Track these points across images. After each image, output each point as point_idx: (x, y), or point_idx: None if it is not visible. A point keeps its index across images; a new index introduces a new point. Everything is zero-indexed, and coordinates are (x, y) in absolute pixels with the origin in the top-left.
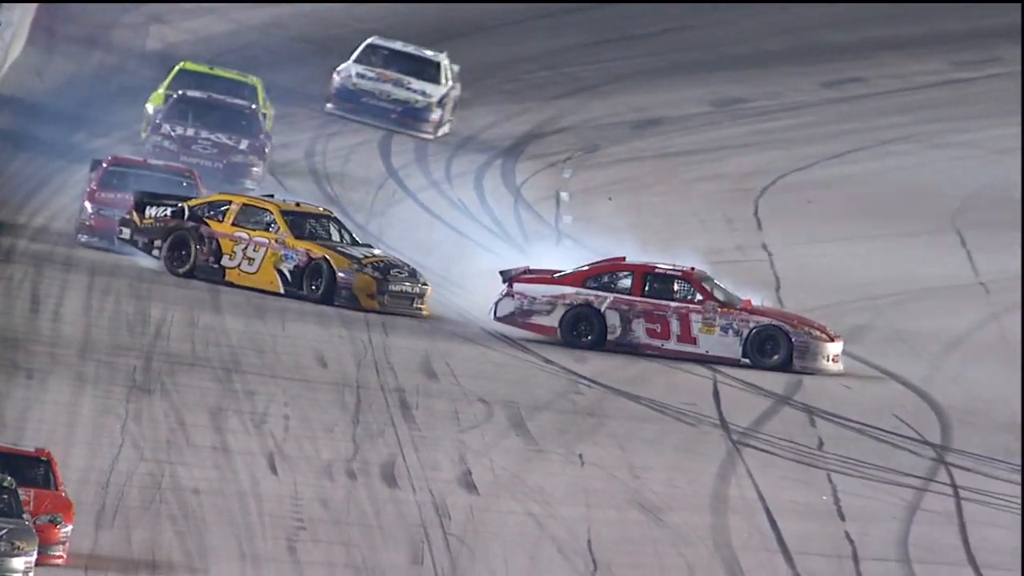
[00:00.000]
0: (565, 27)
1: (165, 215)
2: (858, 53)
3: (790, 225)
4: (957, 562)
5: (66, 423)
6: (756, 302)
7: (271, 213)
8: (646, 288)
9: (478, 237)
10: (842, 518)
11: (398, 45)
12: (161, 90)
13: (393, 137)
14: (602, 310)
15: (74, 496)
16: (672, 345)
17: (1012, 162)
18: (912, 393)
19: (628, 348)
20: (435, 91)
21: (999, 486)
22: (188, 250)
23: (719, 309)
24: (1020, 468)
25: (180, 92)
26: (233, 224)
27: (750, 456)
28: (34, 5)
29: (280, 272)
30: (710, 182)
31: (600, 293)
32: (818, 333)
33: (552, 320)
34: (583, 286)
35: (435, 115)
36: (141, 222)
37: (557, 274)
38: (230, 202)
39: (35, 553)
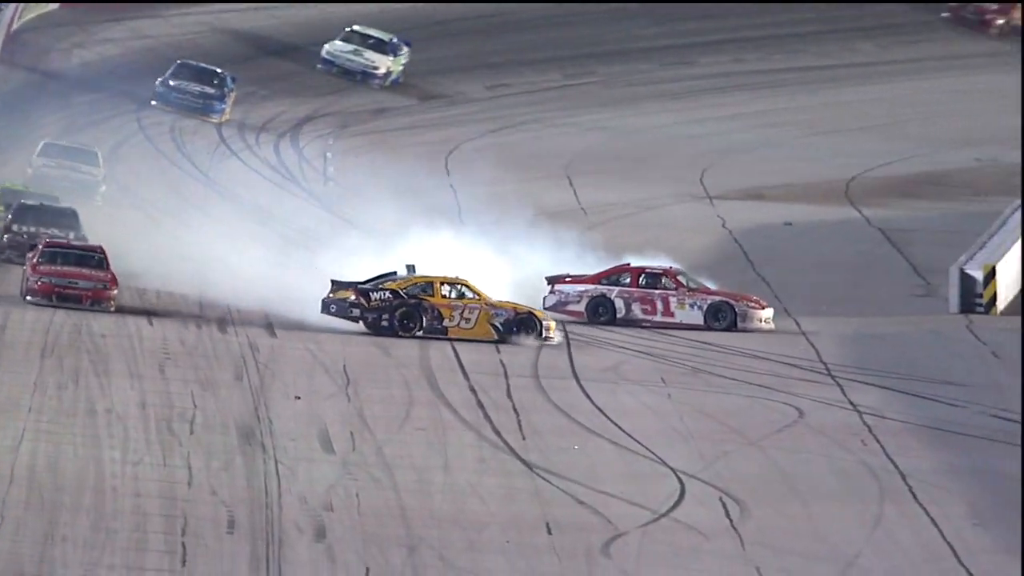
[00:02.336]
0: None
1: (388, 298)
2: (507, 68)
3: (468, 172)
4: (567, 376)
5: (22, 303)
6: (713, 287)
7: (466, 286)
8: (640, 282)
9: (275, 179)
10: (498, 352)
11: (64, 143)
12: None
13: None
14: (612, 298)
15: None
16: (658, 318)
17: (595, 135)
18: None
19: (631, 323)
20: (99, 172)
21: (592, 331)
22: (414, 319)
23: (687, 293)
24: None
25: (21, 202)
26: (442, 296)
27: None
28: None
29: (493, 325)
30: (418, 147)
31: (610, 287)
32: (754, 304)
33: (580, 307)
34: (599, 283)
35: (102, 188)
36: (369, 305)
37: (581, 276)
38: (432, 283)
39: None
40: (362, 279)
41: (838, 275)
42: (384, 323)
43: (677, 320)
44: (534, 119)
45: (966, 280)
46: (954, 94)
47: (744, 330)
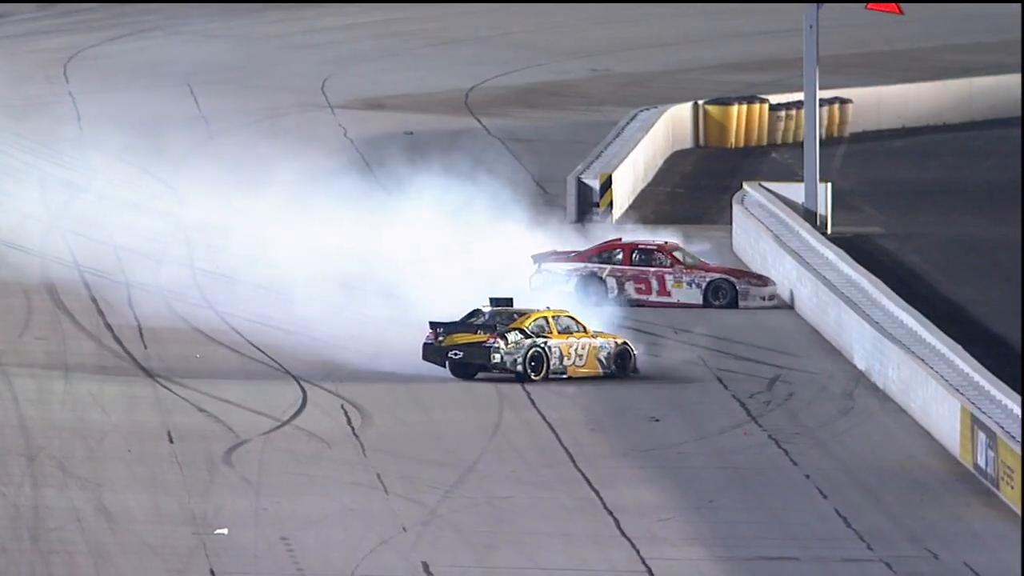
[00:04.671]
0: None
1: (521, 339)
2: None
3: (88, 80)
4: (190, 286)
5: None
6: (712, 262)
7: (572, 319)
8: (633, 259)
9: None
10: (118, 259)
11: None
12: None
13: None
14: (603, 277)
15: None
16: (654, 298)
17: (216, 43)
18: None
19: (624, 303)
20: None
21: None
22: (542, 360)
23: (685, 270)
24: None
25: None
26: (558, 333)
27: None
28: None
29: (599, 360)
30: (37, 54)
31: (601, 265)
32: (756, 281)
33: (570, 287)
34: (589, 261)
35: None
36: (507, 346)
37: (571, 254)
38: (546, 318)
39: None
40: (457, 319)
41: (458, 184)
42: (519, 367)
43: (674, 299)
44: (154, 27)
45: (583, 189)
46: (569, 5)
47: (747, 309)
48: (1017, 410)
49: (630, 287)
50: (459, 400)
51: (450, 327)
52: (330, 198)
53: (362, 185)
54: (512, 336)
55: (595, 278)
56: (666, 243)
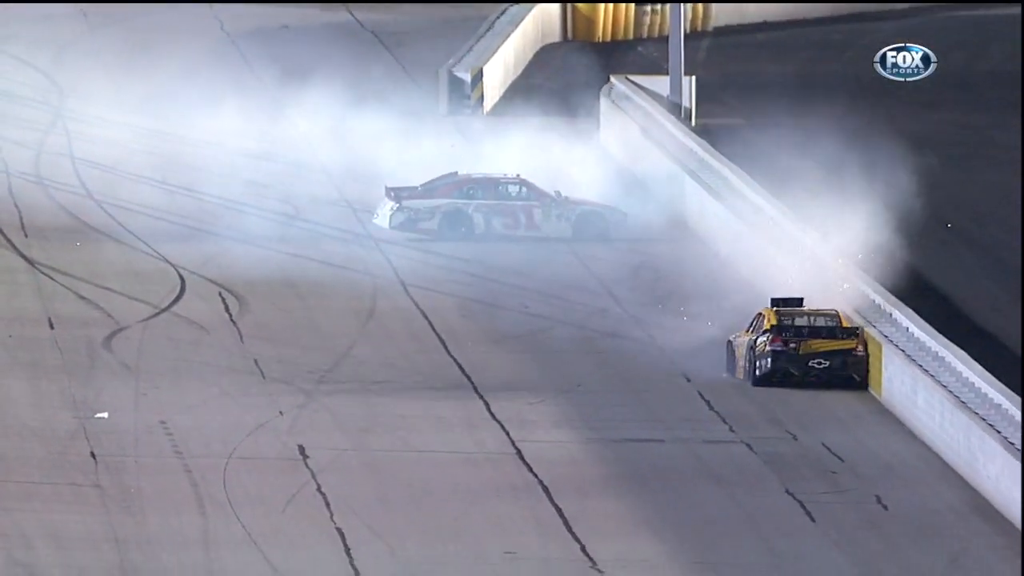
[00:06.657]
0: None
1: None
2: None
3: None
4: (69, 174)
5: None
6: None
7: (839, 318)
8: (496, 192)
9: None
10: None
11: None
12: None
13: None
14: (470, 213)
15: None
16: (522, 232)
17: None
18: None
19: (492, 238)
20: None
21: (94, 130)
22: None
23: (552, 202)
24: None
25: None
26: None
27: None
28: None
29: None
30: None
31: (468, 201)
32: (624, 210)
33: (434, 224)
34: (452, 197)
35: None
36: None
37: (417, 188)
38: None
39: None
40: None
41: (336, 76)
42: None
43: (543, 234)
44: None
45: (455, 82)
46: None
47: (619, 239)
48: (878, 298)
49: (498, 222)
50: (334, 287)
51: (799, 332)
52: (207, 90)
53: (239, 78)
54: (815, 362)
55: (462, 214)
56: (519, 175)
